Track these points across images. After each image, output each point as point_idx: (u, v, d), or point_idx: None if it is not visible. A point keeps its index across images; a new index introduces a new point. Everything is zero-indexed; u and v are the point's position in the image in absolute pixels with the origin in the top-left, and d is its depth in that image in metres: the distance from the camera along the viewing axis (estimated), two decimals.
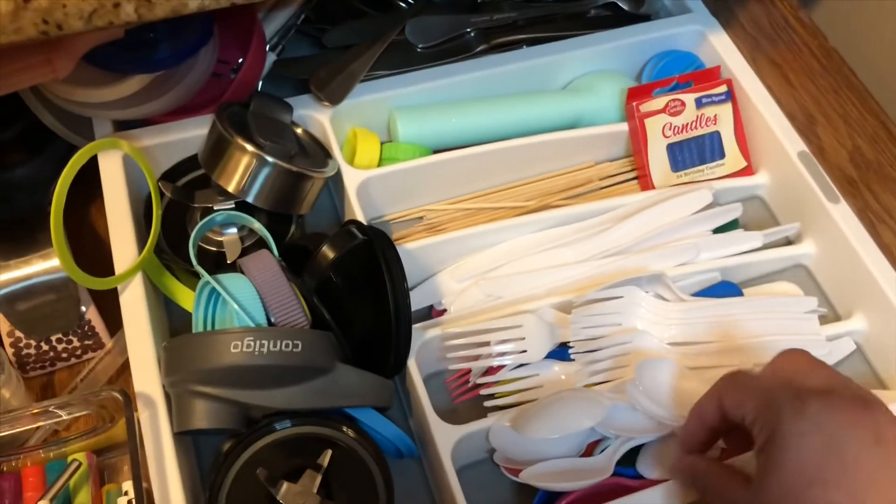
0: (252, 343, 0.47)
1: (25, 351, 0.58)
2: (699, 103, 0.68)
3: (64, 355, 0.59)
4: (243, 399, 0.49)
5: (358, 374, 0.51)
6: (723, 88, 0.68)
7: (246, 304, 0.50)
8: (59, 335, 0.58)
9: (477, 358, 0.56)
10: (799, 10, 0.80)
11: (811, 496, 0.35)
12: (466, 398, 0.58)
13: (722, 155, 0.68)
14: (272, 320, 0.51)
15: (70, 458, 0.53)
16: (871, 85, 0.75)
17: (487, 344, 0.56)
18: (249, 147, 0.56)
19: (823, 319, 0.61)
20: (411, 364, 0.54)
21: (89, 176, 0.57)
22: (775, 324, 0.58)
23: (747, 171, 0.68)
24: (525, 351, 0.56)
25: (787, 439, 0.36)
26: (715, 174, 0.68)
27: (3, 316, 0.57)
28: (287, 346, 0.48)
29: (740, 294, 0.61)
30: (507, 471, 0.53)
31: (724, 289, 0.61)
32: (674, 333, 0.57)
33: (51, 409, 0.50)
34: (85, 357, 0.60)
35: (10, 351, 0.57)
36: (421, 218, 0.66)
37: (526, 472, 0.51)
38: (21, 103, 0.60)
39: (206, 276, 0.51)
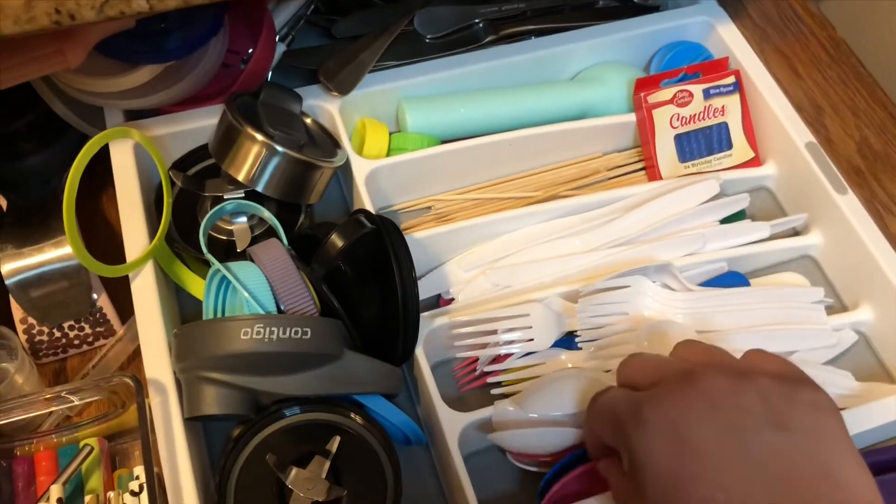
0: (262, 330, 0.48)
1: (38, 338, 0.58)
2: (707, 94, 0.68)
3: (76, 342, 0.60)
4: (253, 385, 0.50)
5: (366, 361, 0.52)
6: (731, 79, 0.68)
7: (256, 291, 0.51)
8: (72, 322, 0.59)
9: (484, 346, 0.57)
10: (807, 0, 0.80)
11: (682, 501, 0.34)
12: (474, 386, 0.58)
13: (730, 146, 0.68)
14: (282, 308, 0.52)
15: (82, 443, 0.53)
16: (880, 76, 0.75)
17: (495, 332, 0.57)
18: (259, 136, 0.56)
19: (830, 310, 0.61)
20: (419, 352, 0.55)
21: (101, 166, 0.58)
22: (782, 314, 0.59)
23: (755, 161, 0.68)
24: (532, 339, 0.57)
25: (640, 455, 0.36)
26: (722, 165, 0.68)
27: (17, 303, 0.58)
28: (297, 333, 0.49)
29: (747, 284, 0.61)
30: (511, 455, 0.53)
31: (731, 279, 0.62)
32: (680, 323, 0.58)
33: (63, 394, 0.51)
34: (97, 344, 0.61)
35: (23, 337, 0.58)
36: (429, 208, 0.66)
37: (495, 434, 0.52)
38: (33, 93, 0.61)
39: (216, 264, 0.52)
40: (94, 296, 0.59)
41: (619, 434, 0.38)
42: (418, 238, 0.60)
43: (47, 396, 0.51)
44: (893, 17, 0.74)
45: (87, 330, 0.59)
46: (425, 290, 0.60)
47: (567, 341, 0.58)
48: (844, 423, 0.36)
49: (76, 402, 0.52)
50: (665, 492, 0.34)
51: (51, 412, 0.55)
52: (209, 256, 0.53)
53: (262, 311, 0.51)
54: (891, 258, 0.59)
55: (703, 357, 0.40)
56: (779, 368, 0.38)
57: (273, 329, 0.48)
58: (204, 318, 0.54)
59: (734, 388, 0.35)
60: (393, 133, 0.67)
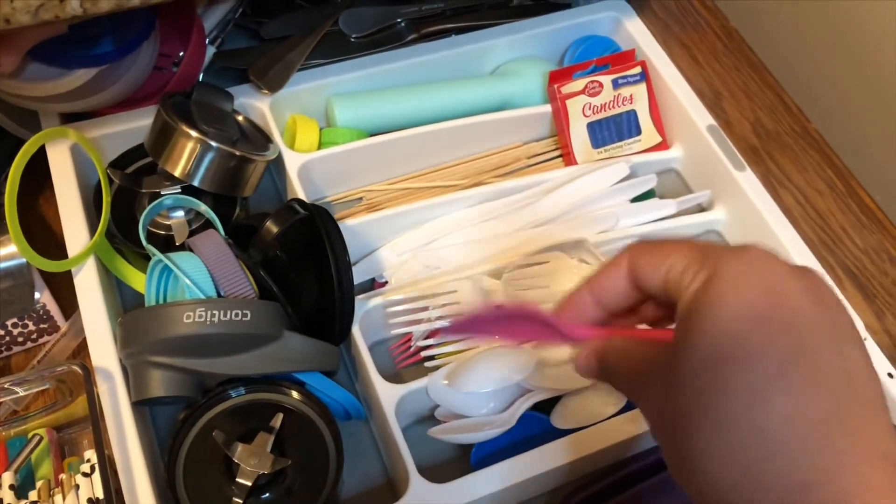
0: (204, 313, 0.51)
1: None
2: (616, 84, 0.73)
3: (20, 339, 0.61)
4: (197, 367, 0.52)
5: (304, 340, 0.55)
6: (637, 70, 0.73)
7: (196, 278, 0.54)
8: (15, 319, 0.60)
9: (418, 322, 0.60)
10: None
11: (759, 337, 0.29)
12: (409, 363, 0.62)
13: (638, 132, 0.73)
14: (221, 293, 0.54)
15: (30, 434, 0.55)
16: (768, 61, 0.81)
17: (426, 309, 0.60)
18: (193, 133, 0.59)
19: None
20: (355, 331, 0.58)
21: (37, 169, 0.59)
22: None
23: (662, 145, 0.74)
24: (462, 314, 0.60)
25: (729, 277, 0.31)
26: (633, 149, 0.73)
27: None
28: (237, 315, 0.51)
29: None
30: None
31: None
32: None
33: (7, 385, 0.53)
34: (41, 341, 0.62)
35: None
36: (361, 198, 0.69)
37: (434, 429, 0.55)
38: None
39: (157, 254, 0.54)
40: (37, 294, 0.61)
41: (706, 258, 0.32)
42: (351, 225, 0.64)
43: None
44: (779, 8, 0.81)
45: (31, 327, 0.61)
46: (359, 273, 0.64)
47: None
48: None
49: (21, 394, 0.54)
50: (742, 320, 0.30)
51: None
52: (149, 247, 0.55)
53: (203, 297, 0.53)
54: (786, 228, 0.65)
55: None
56: None
57: (214, 312, 0.51)
58: (147, 306, 0.56)
59: (835, 300, 0.32)
60: (323, 129, 0.70)
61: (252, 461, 0.52)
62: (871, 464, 0.28)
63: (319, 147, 0.69)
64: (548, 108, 0.73)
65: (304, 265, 0.59)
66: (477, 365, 0.54)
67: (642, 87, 0.74)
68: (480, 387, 0.54)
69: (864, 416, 0.29)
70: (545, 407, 0.57)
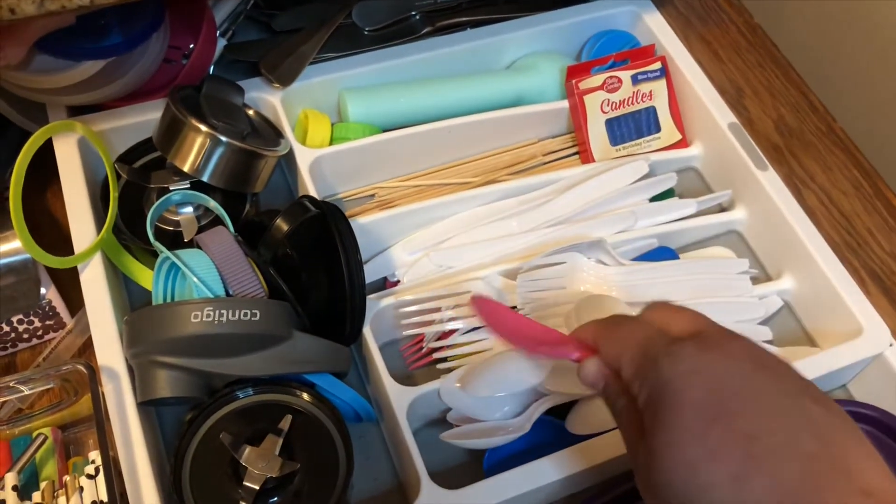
0: (212, 313, 0.49)
1: None
2: (635, 80, 0.71)
3: (25, 336, 0.60)
4: (205, 367, 0.51)
5: (314, 341, 0.54)
6: (657, 65, 0.72)
7: (204, 276, 0.52)
8: (20, 316, 0.59)
9: (429, 323, 0.59)
10: None
11: (718, 432, 0.33)
12: (421, 364, 0.60)
13: (658, 129, 0.72)
14: (230, 292, 0.53)
15: (35, 433, 0.54)
16: (792, 57, 0.79)
17: (439, 310, 0.59)
18: (203, 127, 0.58)
19: (755, 280, 0.65)
20: (366, 331, 0.57)
21: (44, 163, 0.58)
22: (710, 284, 0.62)
23: (682, 143, 0.72)
24: (475, 315, 0.59)
25: (674, 384, 0.35)
26: (651, 147, 0.71)
27: None
28: (245, 315, 0.50)
29: (676, 258, 0.65)
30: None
31: (662, 254, 0.65)
32: (614, 296, 0.61)
33: (12, 384, 0.52)
34: (46, 337, 0.61)
35: None
36: (373, 195, 0.68)
37: (446, 434, 0.54)
38: None
39: (164, 252, 0.53)
40: (43, 290, 0.59)
41: (647, 363, 0.36)
42: (363, 223, 0.62)
43: None
44: (804, 3, 0.79)
45: (37, 323, 0.60)
46: (371, 272, 0.62)
47: None
48: None
49: (27, 392, 0.53)
50: (699, 421, 0.33)
51: (2, 404, 0.55)
52: (157, 244, 0.54)
53: (211, 295, 0.52)
54: (809, 229, 0.63)
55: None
56: None
57: (223, 311, 0.50)
58: (154, 304, 0.55)
59: (776, 359, 0.36)
60: (335, 123, 0.69)
61: (260, 464, 0.50)
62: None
63: (331, 142, 0.68)
64: (565, 103, 0.72)
65: (315, 263, 0.58)
66: (491, 368, 0.53)
67: (662, 83, 0.72)
68: (494, 391, 0.53)
69: (838, 462, 0.32)
70: (560, 411, 0.56)
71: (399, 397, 0.54)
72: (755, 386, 0.34)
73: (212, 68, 0.68)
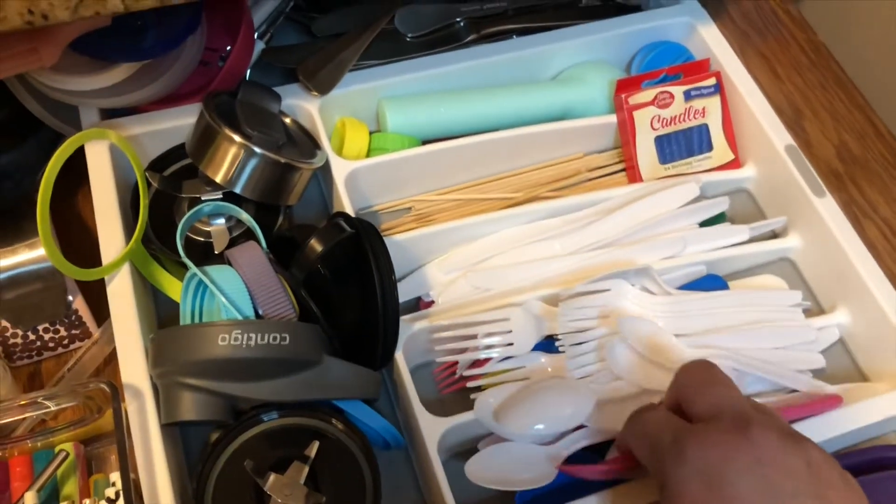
0: (240, 336, 0.48)
1: (12, 340, 0.58)
2: (688, 96, 0.68)
3: (51, 345, 0.59)
4: (231, 391, 0.49)
5: (345, 366, 0.52)
6: (711, 81, 0.68)
7: (233, 296, 0.51)
8: (46, 325, 0.58)
9: (464, 351, 0.57)
10: (788, 4, 0.80)
11: None
12: (453, 390, 0.58)
13: (710, 147, 0.68)
14: (260, 312, 0.51)
15: (57, 449, 0.53)
16: (859, 81, 0.75)
17: (474, 336, 0.56)
18: (237, 138, 0.56)
19: (807, 313, 0.62)
20: (398, 356, 0.55)
21: (76, 164, 0.57)
22: (760, 317, 0.59)
23: (734, 164, 0.69)
24: (512, 344, 0.56)
25: (673, 487, 0.36)
26: (702, 167, 0.68)
27: None
28: (275, 339, 0.48)
29: (725, 287, 0.62)
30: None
31: (710, 282, 0.62)
32: (660, 326, 0.58)
33: (39, 399, 0.51)
34: (72, 347, 0.60)
35: None
36: (409, 208, 0.66)
37: (474, 474, 0.51)
38: (6, 90, 0.60)
39: (193, 268, 0.51)
40: (70, 298, 0.58)
41: (656, 460, 0.38)
42: (398, 240, 0.60)
43: (22, 402, 0.50)
44: (872, 22, 0.75)
45: (63, 332, 0.59)
46: (405, 292, 0.60)
47: (547, 344, 0.58)
48: None
49: (52, 408, 0.51)
50: None
51: (26, 417, 0.54)
52: (186, 260, 0.52)
53: (239, 317, 0.50)
54: (867, 262, 0.60)
55: (756, 405, 0.40)
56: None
57: (251, 335, 0.48)
58: (181, 322, 0.53)
59: (784, 448, 0.35)
60: (373, 133, 0.66)
61: (284, 493, 0.49)
62: None
63: (369, 152, 0.65)
64: (612, 118, 0.69)
65: (347, 284, 0.56)
66: (531, 402, 0.50)
67: (716, 99, 0.68)
68: (531, 425, 0.50)
69: None
70: (600, 447, 0.53)
71: (430, 428, 0.52)
72: (745, 485, 0.34)
73: (248, 72, 0.66)
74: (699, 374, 0.41)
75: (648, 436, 0.40)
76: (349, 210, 0.60)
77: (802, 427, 0.52)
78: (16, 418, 0.52)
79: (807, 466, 0.35)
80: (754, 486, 0.34)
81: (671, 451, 0.37)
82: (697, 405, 0.39)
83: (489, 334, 0.56)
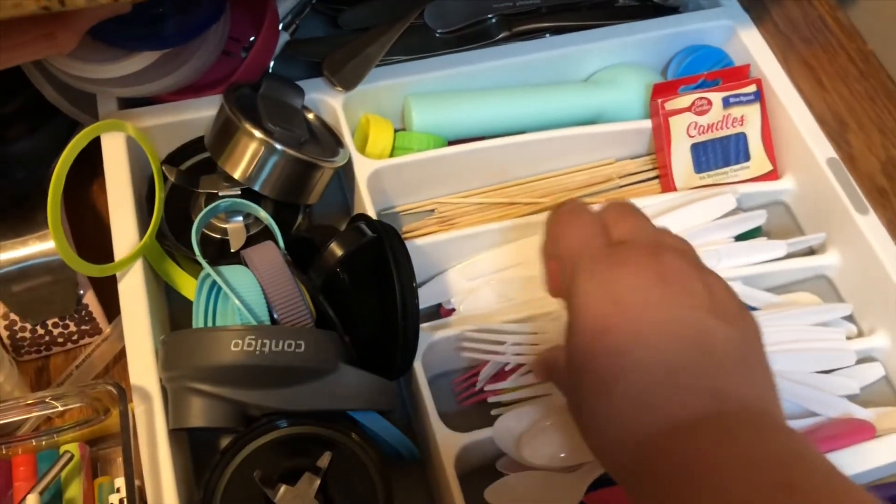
0: (253, 342, 0.46)
1: (20, 334, 0.56)
2: (726, 103, 0.65)
3: (60, 340, 0.57)
4: (242, 398, 0.47)
5: (361, 375, 0.50)
6: (752, 88, 0.66)
7: (248, 299, 0.49)
8: (56, 319, 0.56)
9: (494, 354, 0.54)
10: (837, 9, 0.76)
11: (601, 349, 0.35)
12: (473, 402, 0.56)
13: (747, 157, 0.66)
14: (275, 317, 0.49)
15: (62, 450, 0.51)
16: None
17: (501, 345, 0.54)
18: (258, 133, 0.54)
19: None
20: (417, 366, 0.53)
21: (91, 153, 0.55)
22: (801, 335, 0.57)
23: (772, 175, 0.66)
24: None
25: (579, 299, 0.37)
26: (739, 177, 0.65)
27: None
28: (290, 346, 0.46)
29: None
30: None
31: None
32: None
33: (47, 399, 0.49)
34: (81, 342, 0.58)
35: (4, 334, 0.56)
36: (432, 210, 0.64)
37: (491, 493, 0.49)
38: (23, 76, 0.58)
39: (207, 268, 0.49)
40: (80, 292, 0.56)
41: (569, 275, 0.38)
42: (419, 244, 0.58)
43: (29, 402, 0.48)
44: None
45: (72, 328, 0.57)
46: (425, 298, 0.58)
47: None
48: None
49: (59, 408, 0.50)
50: (590, 338, 0.35)
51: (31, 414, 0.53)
52: (202, 260, 0.50)
53: (253, 321, 0.48)
54: None
55: (673, 241, 0.41)
56: (725, 284, 0.39)
57: (265, 341, 0.46)
58: (194, 323, 0.51)
59: (690, 273, 0.36)
60: (398, 131, 0.64)
61: None
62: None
63: (393, 151, 0.63)
64: (647, 123, 0.66)
65: (366, 288, 0.53)
66: (553, 428, 0.48)
67: (755, 107, 0.66)
68: (554, 454, 0.48)
69: (704, 374, 0.34)
70: None
71: (448, 443, 0.50)
72: (650, 298, 0.35)
73: (271, 64, 0.64)
74: (623, 206, 0.42)
75: (571, 254, 0.40)
76: (371, 211, 0.58)
77: (831, 458, 0.49)
78: (21, 417, 0.51)
79: (707, 291, 0.36)
80: (656, 299, 0.35)
81: (585, 268, 0.37)
82: (617, 229, 0.40)
83: (516, 344, 0.54)
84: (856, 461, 0.51)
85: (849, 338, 0.59)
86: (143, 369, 0.49)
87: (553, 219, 0.42)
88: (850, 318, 0.61)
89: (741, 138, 0.66)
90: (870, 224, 0.59)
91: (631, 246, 0.38)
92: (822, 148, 0.63)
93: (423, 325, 0.54)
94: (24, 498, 0.48)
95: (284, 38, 0.65)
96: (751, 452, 0.31)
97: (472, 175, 0.64)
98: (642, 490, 0.34)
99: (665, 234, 0.41)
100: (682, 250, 0.39)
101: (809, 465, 0.31)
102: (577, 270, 0.38)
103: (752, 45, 0.68)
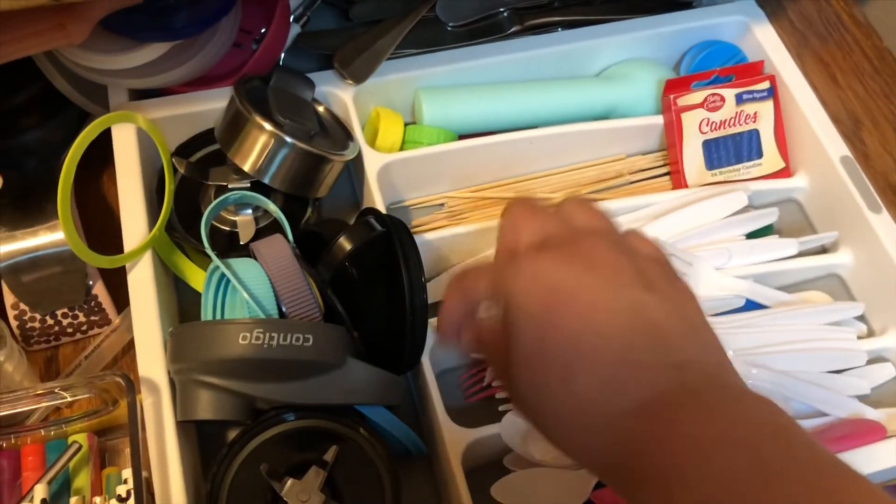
0: (261, 335, 0.46)
1: (30, 324, 0.56)
2: (739, 99, 0.65)
3: (69, 330, 0.57)
4: (250, 392, 0.47)
5: (369, 370, 0.49)
6: (765, 85, 0.65)
7: (257, 292, 0.49)
8: (65, 310, 0.56)
9: None
10: (853, 6, 0.75)
11: (549, 339, 0.34)
12: (480, 398, 0.56)
13: (759, 154, 0.65)
14: (283, 310, 0.49)
15: (70, 440, 0.51)
16: None
17: None
18: (268, 126, 0.54)
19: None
20: (425, 361, 0.52)
21: (102, 143, 0.55)
22: (813, 335, 0.56)
23: (785, 172, 0.65)
24: None
25: (512, 300, 0.35)
26: (751, 174, 0.65)
27: (8, 287, 0.55)
28: (297, 339, 0.46)
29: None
30: None
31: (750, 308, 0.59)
32: None
33: (56, 390, 0.49)
34: (90, 333, 0.58)
35: (14, 324, 0.56)
36: (442, 205, 0.63)
37: (497, 489, 0.49)
38: (34, 67, 0.58)
39: (216, 261, 0.49)
40: (90, 283, 0.56)
41: (497, 286, 0.37)
42: (429, 239, 0.58)
43: (38, 392, 0.48)
44: None
45: (81, 318, 0.57)
46: (434, 294, 0.57)
47: None
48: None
49: (68, 399, 0.50)
50: (534, 335, 0.35)
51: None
52: (211, 253, 0.50)
53: (262, 314, 0.48)
54: None
55: (587, 222, 0.39)
56: (654, 252, 0.39)
57: (273, 335, 0.46)
58: (202, 315, 0.51)
59: (613, 254, 0.36)
60: (408, 125, 0.64)
61: (301, 499, 0.47)
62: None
63: (403, 144, 0.63)
64: (658, 119, 0.65)
65: (375, 283, 0.53)
66: None
67: (769, 104, 0.65)
68: (561, 455, 0.47)
69: (658, 343, 0.33)
70: None
71: (455, 439, 0.50)
72: (584, 284, 0.35)
73: (282, 57, 0.64)
74: (520, 209, 0.40)
75: (492, 266, 0.39)
76: (380, 205, 0.57)
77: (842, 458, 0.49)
78: (30, 408, 0.51)
79: (634, 267, 0.36)
80: (590, 281, 0.35)
81: (510, 270, 0.36)
82: (525, 234, 0.38)
83: None
84: (866, 462, 0.51)
85: (860, 337, 0.58)
86: (152, 361, 0.49)
87: (502, 216, 0.41)
88: (861, 318, 0.60)
89: (754, 135, 0.65)
90: (883, 223, 0.59)
91: (550, 241, 0.38)
92: (835, 146, 0.62)
93: (432, 321, 0.54)
94: (32, 488, 0.49)
95: (295, 30, 0.64)
96: (728, 427, 0.31)
97: (482, 170, 0.63)
98: (618, 476, 0.34)
99: (580, 219, 0.40)
100: (598, 231, 0.38)
101: (789, 435, 0.31)
102: (504, 277, 0.37)
103: (766, 41, 0.67)
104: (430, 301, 0.52)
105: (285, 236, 0.53)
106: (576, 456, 0.35)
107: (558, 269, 0.36)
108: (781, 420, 0.32)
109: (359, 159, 0.60)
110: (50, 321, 0.56)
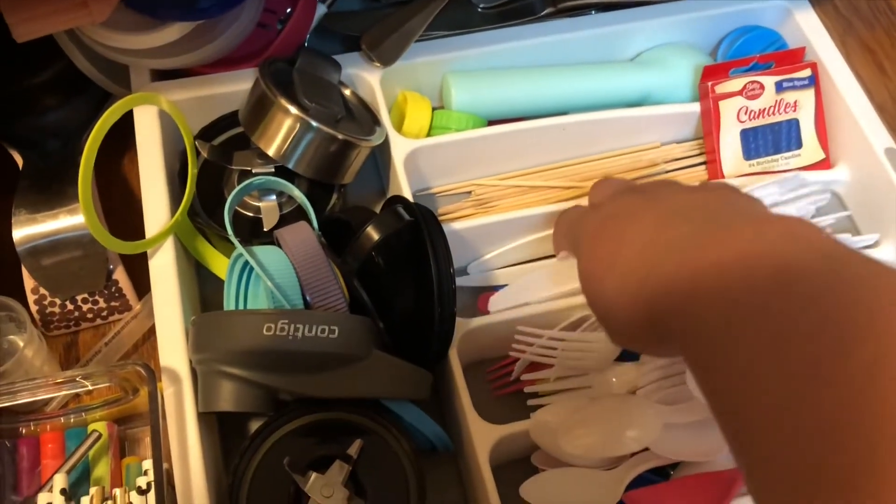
0: (286, 326, 0.44)
1: (49, 309, 0.55)
2: (779, 87, 0.62)
3: (89, 316, 0.56)
4: (273, 383, 0.46)
5: (395, 363, 0.48)
6: (806, 72, 0.63)
7: (281, 281, 0.47)
8: (85, 295, 0.55)
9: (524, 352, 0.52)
10: None
11: (601, 248, 0.40)
12: (507, 392, 0.54)
13: (799, 145, 0.63)
14: (308, 300, 0.48)
15: (90, 429, 0.50)
16: None
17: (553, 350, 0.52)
18: (293, 109, 0.52)
19: None
20: (452, 355, 0.51)
21: (124, 125, 0.53)
22: None
23: (824, 164, 0.63)
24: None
25: (584, 227, 0.43)
26: (790, 165, 0.63)
27: (28, 271, 0.54)
28: (323, 331, 0.45)
29: None
30: None
31: None
32: None
33: (77, 378, 0.48)
34: (111, 319, 0.57)
35: (34, 308, 0.55)
36: (469, 192, 0.62)
37: (526, 488, 0.48)
38: (56, 46, 0.57)
39: (240, 249, 0.48)
40: (111, 268, 0.55)
41: (573, 236, 0.45)
42: (456, 228, 0.56)
43: (59, 380, 0.48)
44: None
45: (102, 304, 0.56)
46: (462, 284, 0.56)
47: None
48: None
49: (88, 387, 0.49)
50: (593, 244, 0.41)
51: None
52: (235, 241, 0.49)
53: (286, 304, 0.47)
54: None
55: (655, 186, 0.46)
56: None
57: (298, 326, 0.44)
58: (225, 304, 0.50)
59: (638, 204, 0.41)
60: (436, 109, 0.62)
61: (324, 494, 0.46)
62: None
63: (430, 130, 0.61)
64: (695, 106, 0.63)
65: (401, 272, 0.52)
66: (593, 423, 0.46)
67: (810, 93, 0.63)
68: (592, 448, 0.46)
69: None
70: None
71: (482, 436, 0.49)
72: (636, 211, 0.40)
73: (307, 38, 0.62)
74: (603, 182, 0.48)
75: (568, 222, 0.50)
76: (406, 192, 0.56)
77: None
78: (49, 395, 0.50)
79: (661, 203, 0.40)
80: (641, 210, 0.40)
81: (580, 221, 0.44)
82: (598, 198, 0.47)
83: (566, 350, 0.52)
84: None
85: None
86: (173, 350, 0.48)
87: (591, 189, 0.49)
88: None
89: (793, 125, 0.63)
90: None
91: (614, 196, 0.44)
92: (880, 137, 0.60)
93: (460, 315, 0.52)
94: (52, 477, 0.48)
95: (322, 10, 0.62)
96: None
97: (511, 156, 0.62)
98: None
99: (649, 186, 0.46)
100: (631, 189, 0.45)
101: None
102: (575, 228, 0.45)
103: (807, 27, 0.65)
104: (457, 292, 0.50)
105: (310, 223, 0.52)
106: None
107: (617, 205, 0.42)
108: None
109: (385, 145, 0.58)
110: (70, 306, 0.55)
